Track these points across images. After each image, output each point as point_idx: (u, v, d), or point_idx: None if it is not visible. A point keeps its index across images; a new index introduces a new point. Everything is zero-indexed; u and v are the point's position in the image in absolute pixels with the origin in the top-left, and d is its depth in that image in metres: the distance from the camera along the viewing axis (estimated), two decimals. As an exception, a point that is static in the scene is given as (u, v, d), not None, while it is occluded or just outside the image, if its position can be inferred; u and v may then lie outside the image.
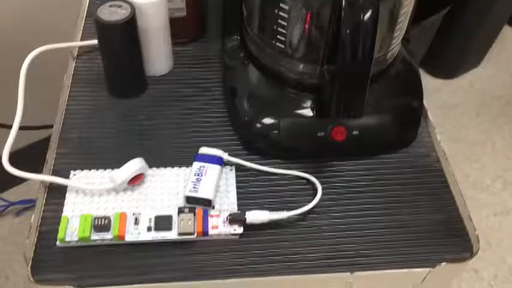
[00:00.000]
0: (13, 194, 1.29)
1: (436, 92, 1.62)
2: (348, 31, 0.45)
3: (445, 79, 1.65)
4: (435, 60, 1.60)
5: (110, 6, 0.55)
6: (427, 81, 1.65)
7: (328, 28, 0.49)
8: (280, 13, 0.50)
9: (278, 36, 0.52)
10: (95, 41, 0.61)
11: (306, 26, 0.50)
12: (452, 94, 1.63)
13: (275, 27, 0.52)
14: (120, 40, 0.56)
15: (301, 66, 0.54)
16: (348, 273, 0.50)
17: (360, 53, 0.46)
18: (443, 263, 0.50)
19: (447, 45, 1.53)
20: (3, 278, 1.18)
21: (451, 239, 0.52)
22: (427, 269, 0.50)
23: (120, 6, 0.55)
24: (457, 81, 1.66)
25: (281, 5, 0.49)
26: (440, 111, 1.57)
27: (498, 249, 1.29)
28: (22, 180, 1.29)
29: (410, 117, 0.58)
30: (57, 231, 0.49)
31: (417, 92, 0.59)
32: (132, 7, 0.55)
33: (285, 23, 0.51)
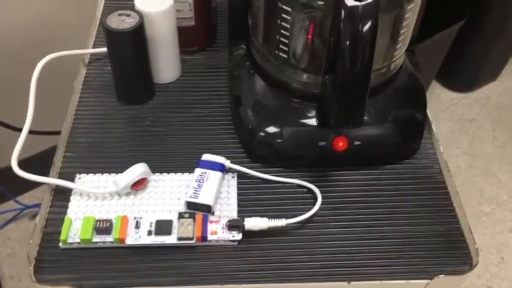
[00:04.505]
0: (29, 198, 1.32)
1: (453, 106, 1.61)
2: (347, 41, 0.45)
3: (462, 92, 1.64)
4: (452, 73, 1.59)
5: (119, 15, 0.57)
6: (444, 95, 1.64)
7: (329, 39, 0.49)
8: (283, 24, 0.51)
9: (281, 46, 0.53)
10: (105, 49, 0.62)
11: (308, 36, 0.51)
12: (469, 108, 1.62)
13: (278, 37, 0.53)
14: (128, 48, 0.58)
15: (304, 76, 0.54)
16: (345, 283, 0.50)
17: (359, 64, 0.46)
18: (442, 275, 0.49)
19: (464, 58, 1.52)
20: (17, 280, 1.21)
21: (451, 251, 0.51)
22: (425, 281, 0.50)
23: (128, 15, 0.57)
24: (474, 95, 1.65)
25: (283, 15, 0.50)
26: (456, 125, 1.56)
27: (512, 265, 1.27)
28: (37, 184, 1.32)
29: (414, 128, 0.58)
30: (60, 232, 0.50)
31: (421, 103, 0.59)
32: (140, 16, 0.57)
33: (287, 33, 0.52)
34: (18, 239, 1.27)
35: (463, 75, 1.60)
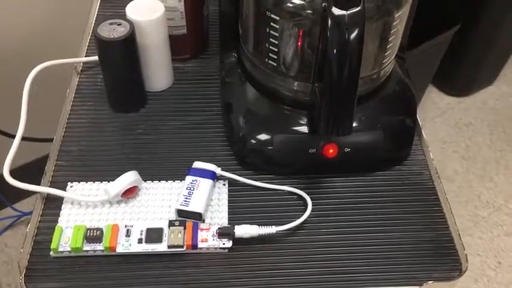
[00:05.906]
0: (26, 205, 1.32)
1: (449, 110, 1.61)
2: (334, 50, 0.45)
3: (459, 97, 1.64)
4: (448, 78, 1.59)
5: (110, 24, 0.57)
6: (440, 99, 1.64)
7: (317, 47, 0.50)
8: (272, 32, 0.51)
9: (271, 55, 0.54)
10: (97, 57, 0.63)
11: (297, 45, 0.51)
12: (466, 112, 1.62)
13: (267, 46, 0.53)
14: (119, 57, 0.58)
15: (294, 84, 0.55)
16: (335, 290, 0.50)
17: (346, 72, 0.46)
18: (431, 282, 0.49)
19: (460, 63, 1.52)
20: (14, 286, 1.20)
21: (440, 258, 0.52)
22: None
23: (119, 24, 0.57)
24: (471, 99, 1.65)
25: (272, 24, 0.51)
26: (453, 129, 1.56)
27: (509, 270, 1.27)
28: (34, 191, 1.32)
29: (403, 135, 0.58)
30: (51, 241, 0.50)
31: (411, 109, 0.59)
32: (131, 25, 0.57)
33: (276, 42, 0.52)
34: (15, 246, 1.27)
35: (460, 80, 1.60)
